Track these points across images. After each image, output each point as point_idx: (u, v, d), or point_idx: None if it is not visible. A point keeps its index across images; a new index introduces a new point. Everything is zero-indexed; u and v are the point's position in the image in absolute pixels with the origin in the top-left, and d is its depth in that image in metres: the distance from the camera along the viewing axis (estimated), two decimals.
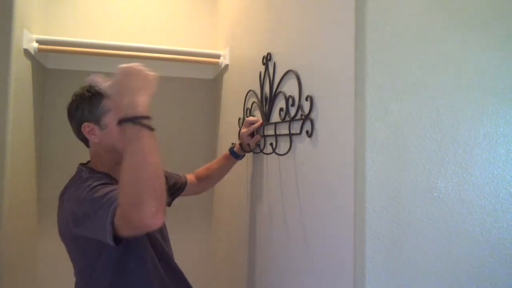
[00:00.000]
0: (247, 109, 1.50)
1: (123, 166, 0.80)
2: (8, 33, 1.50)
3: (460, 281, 0.76)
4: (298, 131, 1.01)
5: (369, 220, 0.72)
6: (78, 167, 1.09)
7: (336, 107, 0.82)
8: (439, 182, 0.76)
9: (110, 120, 1.05)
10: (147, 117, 0.83)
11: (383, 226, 0.72)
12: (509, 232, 0.80)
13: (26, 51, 1.65)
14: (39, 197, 1.93)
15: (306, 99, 0.95)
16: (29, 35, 1.67)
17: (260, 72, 1.32)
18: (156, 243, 1.11)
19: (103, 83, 0.92)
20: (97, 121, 1.05)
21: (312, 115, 0.94)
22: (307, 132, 0.96)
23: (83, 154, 1.13)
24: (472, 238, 0.77)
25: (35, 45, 1.72)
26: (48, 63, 1.99)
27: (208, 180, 1.53)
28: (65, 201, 1.00)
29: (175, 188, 1.40)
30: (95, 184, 0.95)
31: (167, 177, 1.37)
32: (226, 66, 1.90)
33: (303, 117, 0.98)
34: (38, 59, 1.82)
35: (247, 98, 1.50)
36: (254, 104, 1.42)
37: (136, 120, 0.82)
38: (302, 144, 0.99)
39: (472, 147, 0.78)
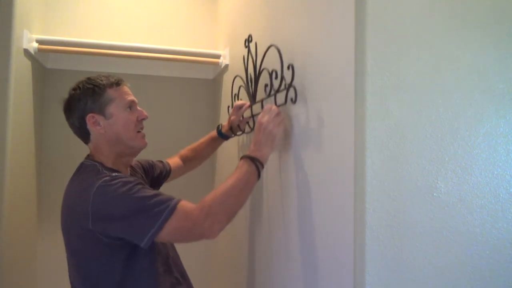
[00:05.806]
0: (234, 95, 1.54)
1: (227, 184, 0.94)
2: (8, 33, 1.50)
3: (460, 281, 0.76)
4: (283, 102, 1.04)
5: (369, 220, 0.72)
6: (86, 161, 1.05)
7: (335, 106, 0.82)
8: (439, 182, 0.76)
9: (114, 109, 1.04)
10: (263, 167, 1.00)
11: (383, 226, 0.72)
12: (509, 232, 0.80)
13: (26, 51, 1.65)
14: (39, 197, 1.93)
15: (288, 68, 0.99)
16: (29, 35, 1.67)
17: (244, 55, 1.35)
18: (165, 244, 1.11)
19: (265, 116, 1.01)
20: (102, 111, 1.04)
21: (295, 83, 0.99)
22: (291, 99, 0.99)
23: (84, 154, 1.12)
24: (472, 238, 0.77)
25: (35, 45, 1.72)
26: (48, 63, 1.98)
27: (194, 162, 1.54)
28: (78, 195, 0.95)
29: (160, 178, 1.39)
30: (127, 180, 0.93)
31: (153, 166, 1.36)
32: (226, 66, 1.90)
33: (286, 86, 1.01)
34: (38, 59, 1.81)
35: (233, 84, 1.54)
36: (241, 88, 1.45)
37: (258, 163, 0.98)
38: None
39: (472, 147, 0.78)
